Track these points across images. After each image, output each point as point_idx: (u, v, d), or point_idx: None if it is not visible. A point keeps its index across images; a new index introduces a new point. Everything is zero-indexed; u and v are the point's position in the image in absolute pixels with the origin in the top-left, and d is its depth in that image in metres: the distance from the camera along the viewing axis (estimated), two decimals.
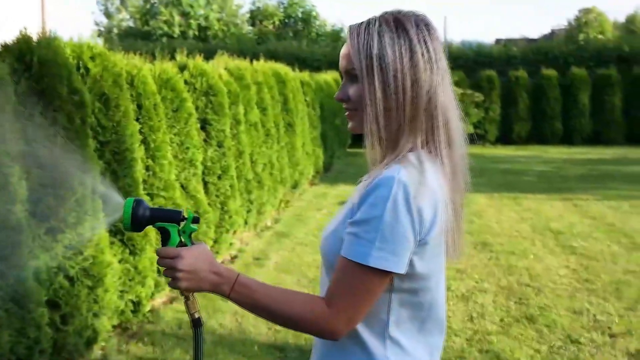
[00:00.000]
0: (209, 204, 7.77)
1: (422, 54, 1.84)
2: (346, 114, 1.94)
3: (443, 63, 1.89)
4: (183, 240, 1.91)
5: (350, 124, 1.95)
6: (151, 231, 5.89)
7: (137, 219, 1.90)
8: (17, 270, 4.09)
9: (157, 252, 1.90)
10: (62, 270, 4.76)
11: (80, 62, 5.41)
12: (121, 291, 5.57)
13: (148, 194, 6.26)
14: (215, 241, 8.01)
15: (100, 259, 5.01)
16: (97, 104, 5.43)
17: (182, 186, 7.13)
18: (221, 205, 8.16)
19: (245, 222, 9.28)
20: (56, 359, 4.79)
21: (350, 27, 1.90)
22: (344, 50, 1.92)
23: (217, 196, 8.10)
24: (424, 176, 1.78)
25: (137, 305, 5.87)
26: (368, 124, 1.85)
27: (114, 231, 5.59)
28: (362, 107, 1.86)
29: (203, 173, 7.86)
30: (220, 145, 8.23)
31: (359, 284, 1.76)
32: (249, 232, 9.76)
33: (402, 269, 1.76)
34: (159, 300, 6.73)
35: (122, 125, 5.61)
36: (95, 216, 5.08)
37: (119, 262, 5.56)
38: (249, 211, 9.33)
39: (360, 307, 1.79)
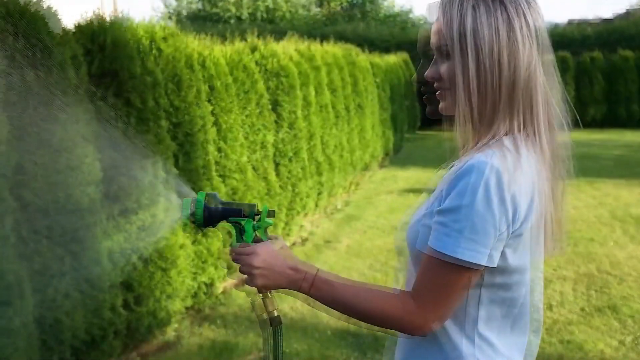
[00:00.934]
0: (280, 186, 7.71)
1: (521, 28, 1.68)
2: (437, 93, 1.80)
3: (544, 38, 1.73)
4: (258, 235, 1.82)
5: (440, 104, 1.79)
6: None
7: (210, 215, 1.81)
8: (91, 252, 4.08)
9: (232, 249, 1.80)
10: (135, 252, 4.75)
11: (153, 43, 5.37)
12: (194, 273, 5.55)
13: (220, 176, 6.21)
14: (286, 223, 7.95)
15: (173, 241, 4.99)
16: (169, 85, 5.39)
17: (253, 168, 7.08)
18: (292, 188, 8.09)
19: (316, 205, 9.20)
20: (130, 340, 4.80)
21: (442, 0, 1.76)
22: (434, 27, 1.77)
23: (288, 178, 8.04)
24: (520, 162, 1.62)
25: (209, 287, 5.84)
26: (460, 104, 1.69)
27: None
28: (454, 86, 1.71)
29: (274, 155, 7.79)
30: (291, 127, 8.15)
31: (448, 278, 1.63)
32: (320, 215, 9.69)
33: (493, 262, 1.62)
34: (231, 282, 6.70)
35: (194, 106, 5.56)
36: (171, 199, 5.05)
37: (192, 244, 5.53)
38: (319, 193, 9.25)
39: (449, 303, 1.66)
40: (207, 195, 1.82)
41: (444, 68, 1.73)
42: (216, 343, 5.20)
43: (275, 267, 1.74)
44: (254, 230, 1.81)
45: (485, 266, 1.62)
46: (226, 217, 1.82)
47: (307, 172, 8.41)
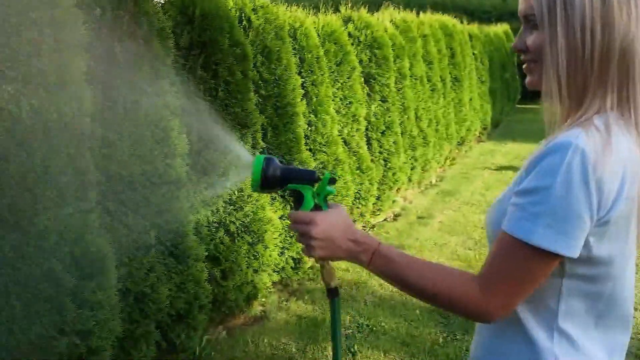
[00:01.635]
0: (372, 160, 7.58)
1: None
2: (524, 66, 1.64)
3: None
4: (318, 203, 1.70)
5: (527, 78, 1.64)
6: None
7: (267, 179, 1.70)
8: (177, 225, 4.06)
9: (290, 216, 1.70)
10: (222, 225, 4.72)
11: (243, 15, 5.31)
12: (281, 248, 5.50)
13: (310, 150, 6.13)
14: (378, 198, 7.82)
15: (261, 216, 4.94)
16: (259, 57, 5.32)
17: (344, 142, 6.97)
18: (384, 162, 7.95)
19: (409, 179, 9.03)
20: (216, 314, 4.79)
21: None
22: None
23: (380, 152, 7.90)
24: (610, 143, 1.45)
25: (297, 262, 5.79)
26: (547, 79, 1.54)
27: None
28: (541, 59, 1.56)
29: (366, 129, 7.66)
30: (384, 100, 7.99)
31: (520, 265, 1.49)
32: (413, 190, 9.52)
33: (573, 252, 1.46)
34: None
35: (284, 79, 5.48)
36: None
37: (280, 218, 5.48)
38: (412, 168, 9.07)
39: (519, 291, 1.52)
40: (265, 158, 1.72)
41: (531, 39, 1.58)
42: (303, 319, 5.15)
43: (334, 238, 1.64)
44: (314, 199, 1.70)
45: (564, 256, 1.47)
46: (285, 182, 1.71)
47: (400, 146, 8.25)
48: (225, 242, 4.69)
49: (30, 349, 2.91)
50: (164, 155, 3.96)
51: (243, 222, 4.81)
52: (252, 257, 4.90)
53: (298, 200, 1.71)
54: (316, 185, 1.71)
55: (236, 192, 4.76)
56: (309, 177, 1.71)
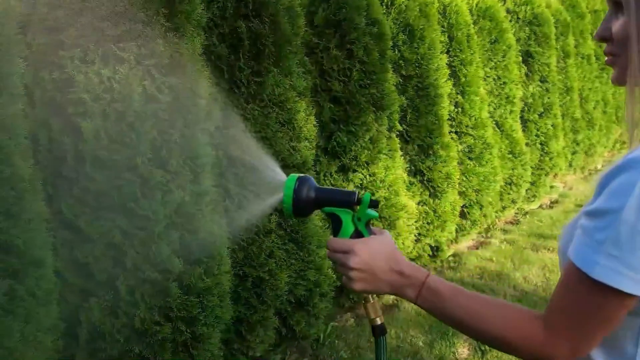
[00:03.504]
0: (526, 144, 7.18)
1: None
2: (605, 60, 1.35)
3: None
4: (359, 229, 1.49)
5: (612, 74, 1.35)
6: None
7: (300, 202, 1.50)
8: None
9: (327, 245, 1.49)
10: None
11: None
12: (417, 235, 5.29)
13: (455, 132, 5.86)
14: (532, 184, 7.40)
15: (394, 201, 4.75)
16: (400, 36, 5.11)
17: (496, 124, 6.62)
18: (541, 146, 7.51)
19: (570, 164, 8.51)
20: (344, 300, 4.67)
21: None
22: None
23: (536, 136, 7.46)
24: None
25: (435, 250, 5.56)
26: (633, 74, 1.25)
27: (414, 171, 5.29)
28: (625, 50, 1.27)
29: (522, 110, 7.25)
30: (543, 80, 7.52)
31: (585, 301, 1.23)
32: (574, 175, 8.97)
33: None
34: (464, 244, 6.37)
35: (427, 58, 5.24)
36: (393, 157, 4.82)
37: (418, 204, 5.27)
38: (574, 153, 8.54)
39: (589, 333, 1.25)
40: (299, 178, 1.51)
41: (617, 25, 1.28)
42: None
43: (376, 269, 1.42)
44: (354, 224, 1.49)
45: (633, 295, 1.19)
46: (320, 205, 1.51)
47: (559, 129, 7.76)
48: None
49: (133, 333, 2.90)
50: (289, 137, 3.85)
51: None
52: None
53: (336, 226, 1.50)
54: (357, 208, 1.49)
55: (367, 177, 4.59)
56: (348, 200, 1.49)
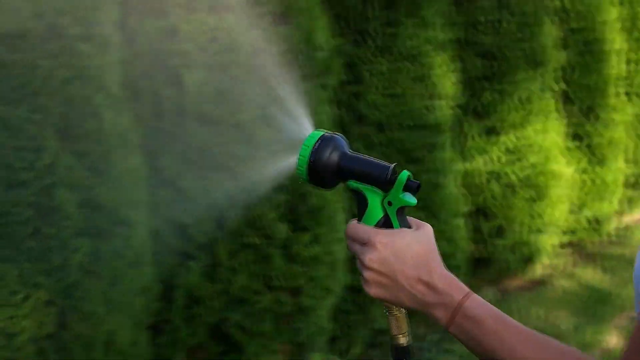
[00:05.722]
0: None
1: None
2: None
3: None
4: (388, 215, 1.13)
5: None
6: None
7: (318, 167, 1.12)
8: (436, 175, 3.64)
9: (346, 230, 1.12)
10: (497, 177, 4.20)
11: None
12: (575, 205, 4.83)
13: (626, 94, 5.27)
14: None
15: (547, 168, 4.32)
16: None
17: None
18: None
19: None
20: (485, 273, 4.33)
21: None
22: None
23: None
24: None
25: (597, 222, 5.05)
26: None
27: (572, 135, 4.81)
28: None
29: None
30: None
31: None
32: None
33: None
34: (633, 217, 5.79)
35: (594, 9, 4.70)
36: (547, 119, 4.38)
37: (577, 172, 4.79)
38: None
39: None
40: (322, 137, 1.12)
41: None
42: (588, 289, 4.47)
43: (399, 275, 1.05)
44: (384, 209, 1.11)
45: None
46: (344, 176, 1.12)
47: None
48: (498, 196, 4.17)
49: (231, 301, 2.74)
50: (423, 95, 3.54)
51: (524, 174, 4.23)
52: (532, 215, 4.32)
53: (362, 207, 1.12)
54: (390, 188, 1.11)
55: (516, 140, 4.19)
56: (377, 175, 1.09)
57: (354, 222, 1.09)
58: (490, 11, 4.06)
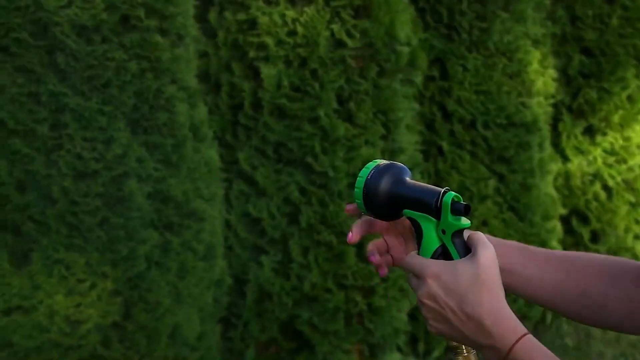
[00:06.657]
0: None
1: None
2: None
3: None
4: (446, 245, 0.97)
5: None
6: None
7: (370, 197, 1.00)
8: (525, 175, 3.50)
9: (402, 262, 1.02)
10: (599, 179, 3.99)
11: None
12: None
13: None
14: None
15: None
16: None
17: None
18: None
19: None
20: None
21: None
22: None
23: None
24: None
25: None
26: None
27: None
28: None
29: None
30: None
31: None
32: None
33: None
34: None
35: None
36: None
37: None
38: None
39: None
40: (377, 166, 1.04)
41: None
42: None
43: (448, 311, 0.91)
44: (439, 237, 0.99)
45: None
46: (398, 205, 1.02)
47: None
48: (599, 199, 3.97)
49: (303, 298, 2.71)
50: (517, 92, 3.40)
51: (625, 177, 4.01)
52: (634, 221, 4.09)
53: (418, 238, 1.01)
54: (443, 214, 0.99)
55: (620, 141, 3.97)
56: (425, 201, 0.98)
57: (413, 253, 1.00)
58: (598, 5, 3.86)
